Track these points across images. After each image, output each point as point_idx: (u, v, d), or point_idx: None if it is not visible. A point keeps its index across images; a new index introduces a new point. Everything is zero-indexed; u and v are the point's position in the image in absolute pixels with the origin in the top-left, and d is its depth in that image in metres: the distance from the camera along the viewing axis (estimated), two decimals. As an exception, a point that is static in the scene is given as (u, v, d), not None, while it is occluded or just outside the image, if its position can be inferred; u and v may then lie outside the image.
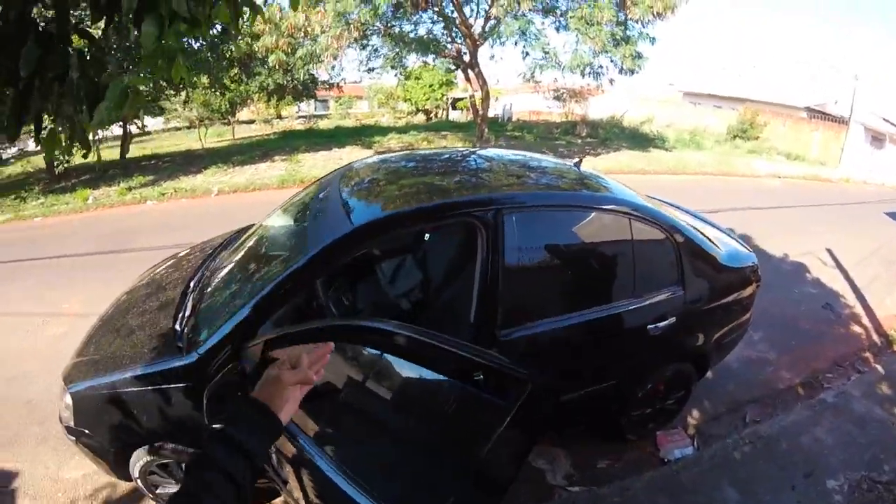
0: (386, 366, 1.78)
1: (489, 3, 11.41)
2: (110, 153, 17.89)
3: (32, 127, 1.44)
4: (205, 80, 15.56)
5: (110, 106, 1.25)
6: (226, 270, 2.89)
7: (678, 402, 3.19)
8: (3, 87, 1.23)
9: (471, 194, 2.61)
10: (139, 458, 2.43)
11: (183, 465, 2.46)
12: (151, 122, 32.45)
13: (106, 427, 2.39)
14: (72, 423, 2.42)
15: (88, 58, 1.33)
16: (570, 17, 10.71)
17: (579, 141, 16.11)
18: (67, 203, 10.82)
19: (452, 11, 12.43)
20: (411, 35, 12.86)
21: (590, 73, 11.33)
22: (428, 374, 1.72)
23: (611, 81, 12.05)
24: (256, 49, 12.51)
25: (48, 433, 3.06)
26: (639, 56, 11.02)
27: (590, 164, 11.31)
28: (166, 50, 1.70)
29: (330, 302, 2.81)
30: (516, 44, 11.53)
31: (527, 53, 11.52)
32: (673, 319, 2.71)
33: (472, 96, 14.75)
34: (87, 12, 1.38)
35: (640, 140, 16.64)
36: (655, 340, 2.71)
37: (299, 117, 35.04)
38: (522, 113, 26.48)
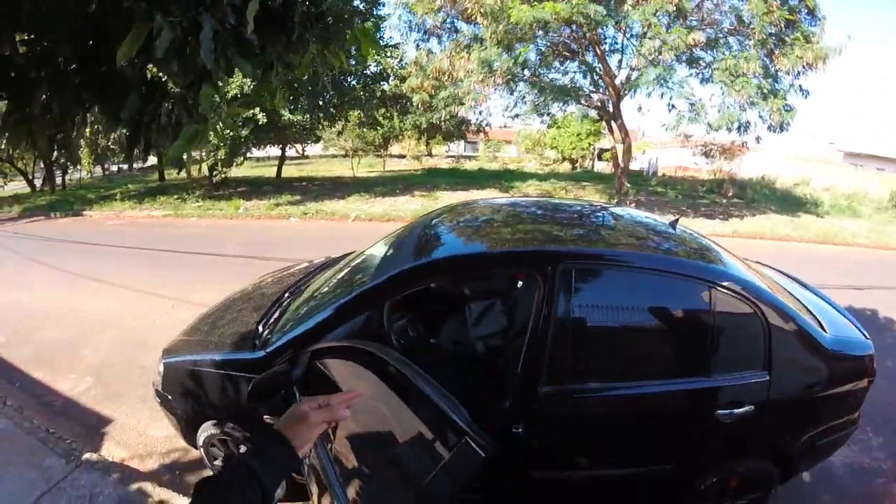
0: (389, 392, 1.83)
1: (633, 53, 11.25)
2: (269, 171, 20.42)
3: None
4: (357, 115, 17.28)
5: (181, 143, 1.56)
6: (311, 288, 3.22)
7: (753, 504, 2.76)
8: (111, 124, 1.59)
9: (535, 245, 2.59)
10: (205, 430, 2.75)
11: (240, 446, 2.72)
12: (311, 149, 36.49)
13: (183, 396, 2.77)
14: (160, 388, 2.87)
15: (184, 103, 1.67)
16: (715, 69, 10.13)
17: (724, 201, 14.85)
18: (221, 209, 12.56)
19: (594, 60, 12.44)
20: (555, 83, 12.96)
21: (737, 129, 10.50)
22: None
23: (757, 139, 11.11)
24: (404, 90, 13.47)
25: (148, 396, 3.50)
26: (788, 109, 10.02)
27: (730, 227, 10.75)
28: (269, 88, 2.08)
29: (392, 332, 2.83)
30: (662, 96, 10.95)
31: (673, 106, 10.90)
32: (750, 408, 2.33)
33: (613, 148, 14.46)
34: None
35: (790, 204, 14.89)
36: (725, 428, 2.35)
37: (448, 156, 37.00)
38: (668, 168, 25.28)
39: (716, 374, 2.35)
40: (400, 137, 28.26)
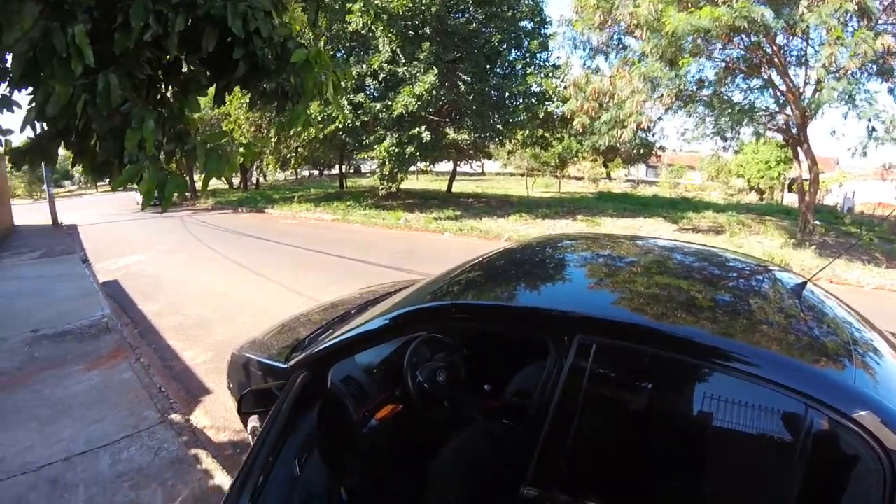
0: None
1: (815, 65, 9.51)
2: (441, 185, 21.68)
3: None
4: (522, 134, 17.55)
5: (121, 179, 1.85)
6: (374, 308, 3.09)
7: None
8: None
9: (559, 307, 1.92)
10: (252, 421, 3.15)
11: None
12: (490, 166, 37.96)
13: (238, 387, 3.22)
14: (227, 373, 3.37)
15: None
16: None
17: (926, 248, 11.55)
18: (384, 219, 13.84)
19: (776, 75, 10.85)
20: (724, 97, 11.52)
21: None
22: None
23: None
24: (565, 112, 13.16)
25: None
26: None
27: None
28: (296, 114, 2.51)
29: (409, 372, 2.57)
30: (860, 117, 9.13)
31: (873, 128, 8.90)
32: None
33: (799, 177, 12.37)
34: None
35: None
36: None
37: (627, 180, 35.43)
38: (868, 204, 20.87)
39: None
40: (576, 159, 27.91)
